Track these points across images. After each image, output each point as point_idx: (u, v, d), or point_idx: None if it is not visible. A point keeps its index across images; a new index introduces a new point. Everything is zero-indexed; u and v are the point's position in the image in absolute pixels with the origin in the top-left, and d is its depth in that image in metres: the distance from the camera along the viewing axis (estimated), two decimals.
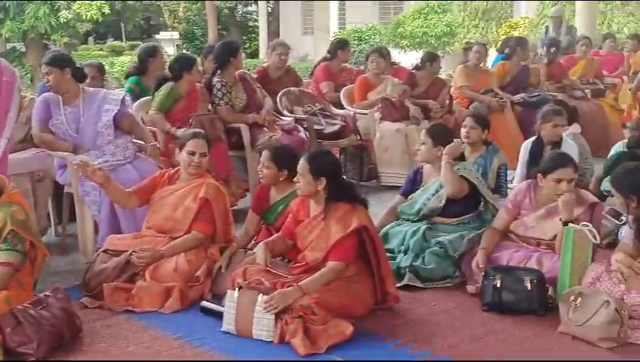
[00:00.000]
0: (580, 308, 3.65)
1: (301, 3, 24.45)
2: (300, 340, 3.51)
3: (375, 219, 4.92)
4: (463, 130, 5.52)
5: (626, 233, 4.15)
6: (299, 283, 3.71)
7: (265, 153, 4.49)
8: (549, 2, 18.32)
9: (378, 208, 5.24)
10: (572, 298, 3.71)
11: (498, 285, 4.01)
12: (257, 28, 25.10)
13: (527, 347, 3.61)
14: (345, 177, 4.17)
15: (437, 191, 4.74)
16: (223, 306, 3.81)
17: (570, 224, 4.09)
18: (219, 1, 23.97)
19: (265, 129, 6.26)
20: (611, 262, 3.88)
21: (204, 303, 4.03)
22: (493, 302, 4.02)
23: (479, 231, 4.60)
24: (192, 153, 4.42)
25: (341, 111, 7.32)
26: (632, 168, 4.07)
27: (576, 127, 6.51)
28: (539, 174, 4.36)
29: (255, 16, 26.89)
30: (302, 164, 3.94)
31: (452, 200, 4.70)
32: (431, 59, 7.76)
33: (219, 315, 3.82)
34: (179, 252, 4.24)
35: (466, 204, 4.79)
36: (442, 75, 8.59)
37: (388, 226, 4.84)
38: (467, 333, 3.75)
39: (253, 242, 4.57)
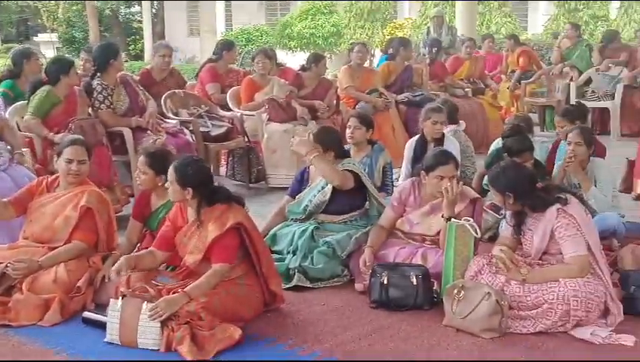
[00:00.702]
0: (463, 301, 3.74)
1: (186, 4, 24.13)
2: (187, 347, 3.44)
3: (264, 221, 4.93)
4: (347, 131, 5.57)
5: (505, 227, 4.29)
6: (184, 289, 3.63)
7: (141, 158, 4.38)
8: (432, 3, 18.83)
9: (267, 210, 5.22)
10: (455, 291, 3.80)
11: (385, 282, 4.06)
12: (142, 29, 24.57)
13: (412, 343, 3.66)
14: (216, 182, 4.10)
15: (322, 188, 4.77)
16: (106, 316, 3.68)
17: (452, 219, 4.19)
18: (99, 2, 23.28)
19: (149, 132, 6.12)
20: (492, 255, 4.00)
21: (86, 314, 3.88)
22: (381, 298, 4.07)
23: (366, 230, 4.66)
24: (70, 161, 4.25)
25: (228, 113, 7.26)
26: (506, 166, 4.19)
27: (459, 125, 6.70)
28: (422, 172, 4.45)
29: (139, 18, 26.32)
30: (170, 172, 3.88)
31: (338, 198, 4.73)
32: (316, 60, 7.81)
33: (102, 326, 3.69)
34: (58, 262, 4.07)
35: (353, 201, 4.84)
36: (329, 76, 8.66)
37: (276, 227, 4.82)
38: (356, 331, 3.78)
39: (136, 250, 4.44)
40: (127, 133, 6.02)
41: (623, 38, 16.01)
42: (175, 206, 4.01)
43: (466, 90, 9.42)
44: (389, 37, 15.72)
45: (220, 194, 3.92)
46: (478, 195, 4.53)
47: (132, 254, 4.07)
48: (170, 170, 3.87)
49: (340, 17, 19.29)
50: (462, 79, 9.65)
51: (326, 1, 19.30)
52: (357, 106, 7.88)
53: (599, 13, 18.78)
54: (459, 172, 5.55)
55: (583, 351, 3.52)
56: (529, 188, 3.97)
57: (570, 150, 5.04)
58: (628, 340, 3.58)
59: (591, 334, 3.62)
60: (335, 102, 7.86)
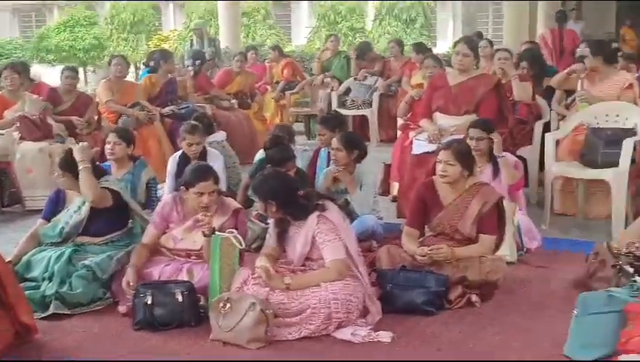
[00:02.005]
0: (230, 314, 3.71)
1: None
2: None
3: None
4: (107, 147, 5.35)
5: (270, 235, 4.33)
6: None
7: None
8: (196, 14, 18.80)
9: (22, 235, 4.81)
10: (221, 305, 3.76)
11: (149, 301, 3.92)
12: None
13: None
14: None
15: (79, 208, 4.52)
16: None
17: (216, 232, 4.15)
18: None
19: None
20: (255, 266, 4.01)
21: None
22: (145, 319, 3.92)
23: (128, 249, 4.48)
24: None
25: None
26: (268, 175, 4.24)
27: (220, 135, 6.68)
28: (182, 187, 4.37)
29: None
30: None
31: (98, 218, 4.51)
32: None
33: None
34: None
35: (114, 220, 4.63)
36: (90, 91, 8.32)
37: (30, 253, 4.48)
38: (117, 356, 3.61)
39: None
40: None
41: (378, 49, 17.07)
42: None
43: (232, 101, 9.44)
44: (152, 49, 15.47)
45: None
46: (240, 206, 4.52)
47: None
48: None
49: (101, 29, 18.63)
50: (230, 93, 9.66)
51: (86, 13, 18.57)
52: (119, 120, 7.62)
53: (357, 26, 19.82)
54: (224, 185, 5.60)
55: (345, 351, 3.63)
56: (290, 196, 4.04)
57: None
58: (385, 336, 3.74)
59: (352, 334, 3.74)
60: (96, 117, 7.54)
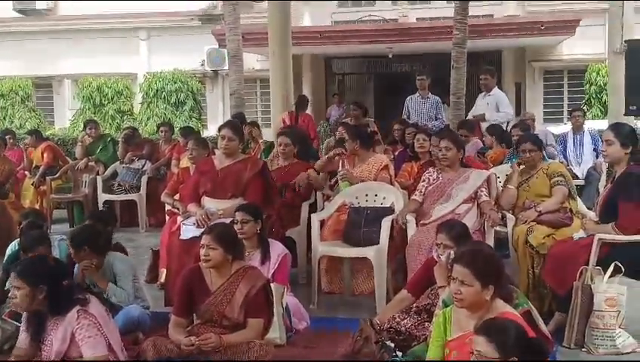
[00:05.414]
0: None
1: None
2: None
3: None
4: None
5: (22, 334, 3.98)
6: None
7: None
8: None
9: None
10: None
11: None
12: None
13: None
14: None
15: None
16: None
17: None
18: None
19: None
20: None
21: None
22: None
23: None
24: None
25: None
26: (41, 258, 4.11)
27: None
28: None
29: None
30: None
31: None
32: None
33: None
34: None
35: None
36: None
37: None
38: None
39: None
40: None
41: (147, 131, 16.89)
42: None
43: None
44: None
45: None
46: None
47: None
48: None
49: None
50: None
51: None
52: None
53: (124, 108, 19.46)
54: None
55: None
56: (59, 284, 3.81)
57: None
58: None
59: None
60: None
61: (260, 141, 10.22)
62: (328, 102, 18.47)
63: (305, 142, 7.77)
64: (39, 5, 20.38)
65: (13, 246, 5.57)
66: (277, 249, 5.28)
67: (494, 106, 9.65)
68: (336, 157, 6.87)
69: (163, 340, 4.19)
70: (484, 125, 9.22)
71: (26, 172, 10.60)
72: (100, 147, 10.57)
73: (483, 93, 9.92)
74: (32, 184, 10.24)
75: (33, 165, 10.58)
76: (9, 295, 4.33)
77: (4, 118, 18.99)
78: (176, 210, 6.63)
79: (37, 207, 9.80)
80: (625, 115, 9.33)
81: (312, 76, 18.96)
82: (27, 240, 5.10)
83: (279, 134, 7.39)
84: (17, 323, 4.78)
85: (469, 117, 10.06)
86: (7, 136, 10.84)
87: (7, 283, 5.27)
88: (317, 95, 18.69)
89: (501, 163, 7.68)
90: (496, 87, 10.01)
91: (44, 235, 5.27)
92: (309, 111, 12.11)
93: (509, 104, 10.19)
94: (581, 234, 5.27)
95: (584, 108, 15.01)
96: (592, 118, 15.35)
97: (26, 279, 3.77)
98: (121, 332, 4.26)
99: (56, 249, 5.32)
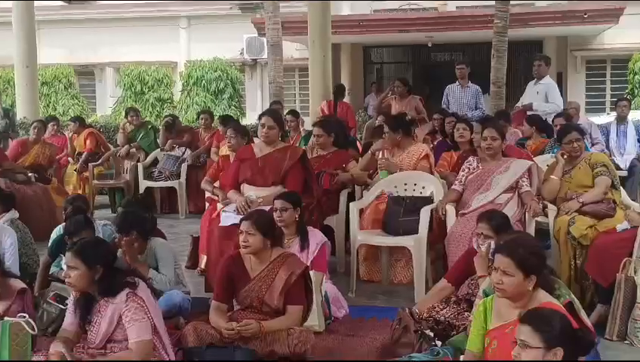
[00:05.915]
0: None
1: None
2: None
3: None
4: None
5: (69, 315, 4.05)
6: None
7: None
8: None
9: None
10: None
11: None
12: None
13: None
14: None
15: None
16: None
17: (5, 318, 3.83)
18: None
19: None
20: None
21: None
22: None
23: None
24: None
25: None
26: (96, 239, 4.12)
27: (13, 213, 6.19)
28: None
29: None
30: None
31: None
32: None
33: None
34: None
35: None
36: None
37: None
38: None
39: None
40: None
41: (186, 119, 17.02)
42: None
43: (30, 174, 8.91)
44: None
45: None
46: (24, 286, 4.21)
47: None
48: None
49: None
50: (26, 165, 9.13)
51: None
52: None
53: (164, 96, 19.65)
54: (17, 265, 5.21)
55: None
56: (112, 265, 3.86)
57: None
58: None
59: None
60: None
61: (302, 128, 10.22)
62: (366, 91, 18.42)
63: (342, 131, 7.75)
64: None
65: (57, 230, 5.67)
66: (316, 237, 5.31)
67: (544, 96, 9.54)
68: (377, 153, 6.80)
69: (204, 325, 4.25)
70: None
71: (69, 158, 10.77)
72: (141, 134, 10.69)
73: (534, 81, 9.81)
74: (75, 170, 10.40)
75: (76, 152, 10.74)
76: (62, 275, 4.43)
77: (48, 105, 19.28)
78: (215, 197, 6.67)
79: (79, 192, 9.95)
80: None
81: (351, 65, 18.92)
82: (72, 225, 5.19)
83: (313, 125, 7.41)
84: (62, 306, 4.89)
85: (518, 105, 9.97)
86: (51, 123, 11.02)
87: (51, 268, 5.40)
88: (355, 84, 18.66)
89: (542, 153, 7.59)
90: (548, 75, 9.89)
91: (89, 220, 5.36)
92: (346, 100, 12.09)
93: (559, 95, 10.03)
94: (624, 225, 5.18)
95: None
96: (635, 109, 15.07)
97: (83, 259, 3.79)
98: (164, 316, 4.31)
99: (99, 234, 5.40)
